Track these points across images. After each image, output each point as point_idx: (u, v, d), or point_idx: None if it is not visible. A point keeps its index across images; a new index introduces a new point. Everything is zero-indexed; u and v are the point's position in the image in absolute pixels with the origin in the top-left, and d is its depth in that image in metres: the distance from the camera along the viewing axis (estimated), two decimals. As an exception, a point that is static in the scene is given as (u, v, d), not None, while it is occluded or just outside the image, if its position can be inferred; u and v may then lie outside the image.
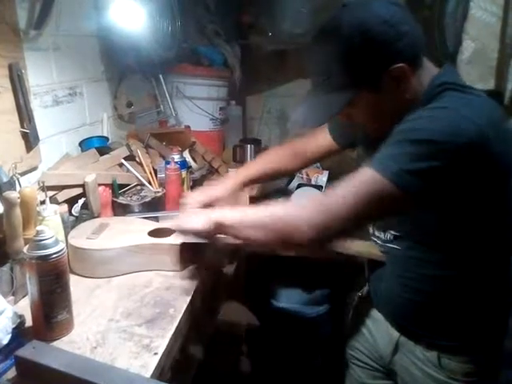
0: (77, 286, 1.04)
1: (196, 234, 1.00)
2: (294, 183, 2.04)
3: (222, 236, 1.00)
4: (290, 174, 1.38)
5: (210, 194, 1.20)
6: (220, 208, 1.16)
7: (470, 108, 0.80)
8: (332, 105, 0.90)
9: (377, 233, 1.07)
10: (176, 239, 1.12)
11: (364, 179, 0.80)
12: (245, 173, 1.30)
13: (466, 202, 0.83)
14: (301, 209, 0.85)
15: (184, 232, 1.03)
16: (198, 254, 1.13)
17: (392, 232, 1.02)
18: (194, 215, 1.02)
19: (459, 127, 0.76)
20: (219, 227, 0.95)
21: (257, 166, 1.33)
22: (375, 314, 1.14)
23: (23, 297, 0.98)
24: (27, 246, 0.83)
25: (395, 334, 1.05)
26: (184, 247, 1.12)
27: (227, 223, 0.94)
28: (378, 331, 1.14)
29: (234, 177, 1.29)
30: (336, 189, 0.83)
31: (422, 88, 0.88)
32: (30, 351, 0.76)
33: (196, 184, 1.78)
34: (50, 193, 1.23)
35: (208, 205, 1.17)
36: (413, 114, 0.84)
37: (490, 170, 0.80)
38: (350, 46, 0.85)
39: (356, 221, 0.82)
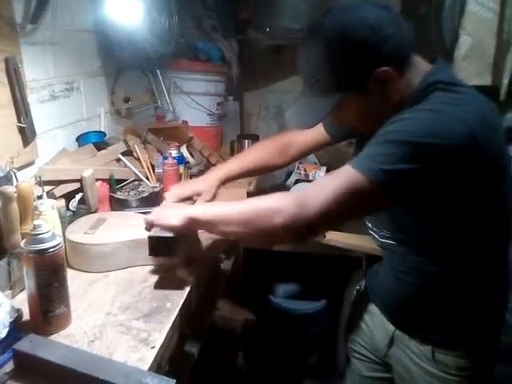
0: (74, 280, 1.04)
1: (170, 228, 0.99)
2: (292, 179, 2.04)
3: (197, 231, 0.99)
4: (277, 169, 1.36)
5: (189, 188, 1.20)
6: (198, 203, 1.17)
7: (457, 107, 0.79)
8: (321, 108, 0.91)
9: (374, 228, 1.08)
10: (147, 232, 1.08)
11: (344, 176, 0.80)
12: (227, 168, 1.28)
13: (454, 201, 0.83)
14: (278, 203, 0.85)
15: (159, 226, 1.02)
16: (170, 249, 1.09)
17: (385, 231, 1.03)
18: (170, 210, 1.02)
19: (444, 128, 0.76)
20: (194, 223, 0.95)
21: (239, 161, 1.31)
22: (372, 307, 1.14)
23: (21, 291, 0.98)
24: (24, 240, 0.83)
25: (391, 327, 1.06)
26: (155, 241, 1.07)
27: (202, 219, 0.94)
28: (374, 325, 1.14)
29: (216, 172, 1.28)
30: (315, 183, 0.84)
31: (413, 88, 0.88)
32: (28, 345, 0.76)
33: (192, 179, 1.78)
34: (47, 188, 1.23)
35: (187, 199, 1.17)
36: (399, 115, 0.84)
37: (480, 168, 0.80)
38: (335, 51, 0.85)
39: (332, 216, 0.82)
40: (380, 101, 0.89)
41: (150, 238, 1.03)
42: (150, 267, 1.12)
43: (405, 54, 0.87)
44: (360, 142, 1.08)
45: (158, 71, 2.03)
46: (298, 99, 0.98)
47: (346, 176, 0.80)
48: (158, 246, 1.05)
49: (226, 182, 1.27)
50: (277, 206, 0.84)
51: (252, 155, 1.31)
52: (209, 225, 0.94)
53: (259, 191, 1.93)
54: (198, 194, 1.20)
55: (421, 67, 0.90)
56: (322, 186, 0.83)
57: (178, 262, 1.13)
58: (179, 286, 1.04)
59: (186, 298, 1.01)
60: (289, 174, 2.11)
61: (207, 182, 1.23)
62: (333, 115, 0.98)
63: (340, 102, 0.89)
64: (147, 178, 1.55)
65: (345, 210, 0.82)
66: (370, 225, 1.09)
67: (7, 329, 0.81)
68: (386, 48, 0.83)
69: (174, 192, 1.18)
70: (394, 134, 0.80)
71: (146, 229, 1.05)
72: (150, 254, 1.04)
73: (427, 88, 0.85)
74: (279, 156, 1.30)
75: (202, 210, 0.96)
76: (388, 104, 0.89)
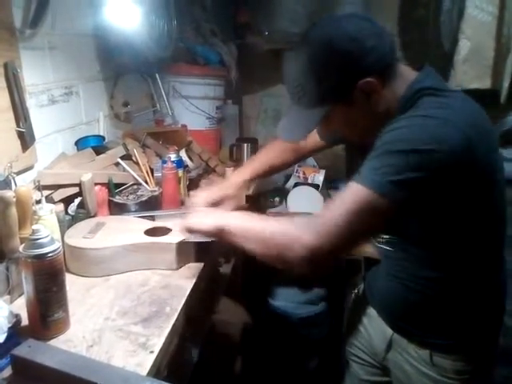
0: (73, 284, 1.04)
1: (202, 234, 1.03)
2: (291, 182, 2.04)
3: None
4: (290, 166, 1.42)
5: (218, 193, 1.23)
6: (227, 209, 1.21)
7: (448, 111, 0.80)
8: (308, 120, 0.93)
9: None
10: (176, 238, 1.13)
11: (353, 195, 0.80)
12: (247, 170, 1.33)
13: (450, 206, 0.83)
14: (296, 228, 0.85)
15: (191, 232, 1.05)
16: (202, 253, 1.16)
17: (382, 235, 1.03)
18: (202, 216, 1.04)
19: (440, 133, 0.77)
20: (222, 232, 0.96)
21: (259, 161, 1.35)
22: (371, 311, 1.14)
23: (19, 296, 0.98)
24: (23, 244, 0.83)
25: (389, 331, 1.06)
26: (187, 246, 1.14)
27: (229, 230, 0.95)
28: (372, 328, 1.14)
29: (238, 175, 1.32)
30: (327, 207, 0.84)
31: (398, 96, 0.88)
32: (26, 350, 0.76)
33: (192, 183, 1.78)
34: (46, 192, 1.23)
35: (216, 203, 1.20)
36: (392, 124, 0.84)
37: (473, 171, 0.80)
38: (318, 64, 0.87)
39: (350, 239, 0.82)
40: (366, 111, 0.90)
41: (185, 243, 1.08)
42: (149, 272, 1.12)
43: (388, 64, 0.88)
44: (352, 148, 1.10)
45: (156, 75, 2.03)
46: (287, 112, 1.00)
47: (355, 196, 0.80)
48: (189, 251, 1.10)
49: (247, 184, 1.32)
50: (296, 235, 0.83)
51: (266, 155, 1.35)
52: (234, 237, 0.94)
53: (258, 194, 1.94)
54: (224, 199, 1.23)
55: (406, 75, 0.91)
56: (333, 212, 0.82)
57: (178, 266, 1.14)
58: (178, 291, 1.04)
59: (185, 303, 1.00)
60: (288, 177, 2.11)
61: (231, 186, 1.27)
62: (321, 127, 0.99)
63: (327, 114, 0.90)
64: (146, 182, 1.55)
65: (360, 230, 0.82)
66: None
67: (6, 334, 0.80)
68: (369, 59, 0.84)
69: (199, 198, 1.21)
70: (392, 144, 0.80)
71: (183, 233, 1.08)
72: (184, 259, 1.07)
73: (414, 95, 0.86)
74: (291, 155, 1.34)
75: (232, 221, 0.96)
76: (374, 114, 0.90)
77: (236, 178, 1.31)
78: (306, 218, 0.87)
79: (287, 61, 0.93)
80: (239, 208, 1.31)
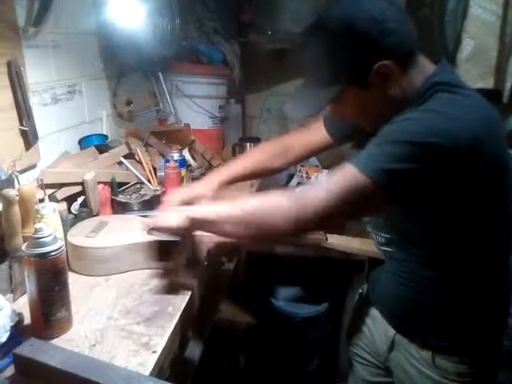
0: (75, 283, 1.03)
1: (171, 231, 0.99)
2: (294, 182, 2.04)
3: (199, 233, 1.00)
4: (277, 172, 1.35)
5: (190, 192, 1.18)
6: (199, 205, 1.14)
7: (461, 109, 0.79)
8: (320, 99, 0.90)
9: (372, 235, 1.08)
10: (147, 237, 1.10)
11: (344, 175, 0.80)
12: (227, 171, 1.27)
13: (454, 204, 0.82)
14: (277, 202, 0.85)
15: (158, 229, 1.01)
16: (172, 252, 1.11)
17: (383, 235, 1.02)
18: (170, 212, 1.01)
19: (447, 129, 0.76)
20: (195, 224, 0.95)
21: (240, 164, 1.29)
22: (374, 311, 1.14)
23: (22, 294, 0.98)
24: (26, 243, 0.83)
25: (391, 331, 1.06)
26: (156, 245, 1.10)
27: (202, 219, 0.93)
28: (375, 328, 1.14)
29: (217, 175, 1.26)
30: (316, 183, 0.83)
31: (415, 87, 0.87)
32: (29, 349, 0.76)
33: (195, 182, 1.77)
34: (49, 191, 1.23)
35: (190, 202, 1.14)
36: (401, 115, 0.83)
37: (481, 171, 0.79)
38: (335, 41, 0.85)
39: (333, 216, 0.82)
40: (381, 96, 0.88)
41: (152, 243, 1.02)
42: (152, 271, 1.12)
43: (407, 51, 0.86)
44: (361, 145, 1.08)
45: (160, 74, 2.03)
46: (299, 90, 0.97)
47: (347, 175, 0.80)
48: (159, 250, 1.05)
49: (226, 184, 1.25)
50: (276, 206, 0.84)
51: (253, 158, 1.30)
52: (208, 224, 0.94)
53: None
54: (199, 198, 1.17)
55: (424, 67, 0.89)
56: (323, 186, 0.83)
57: (180, 265, 1.13)
58: (181, 290, 1.04)
59: (187, 302, 1.00)
60: (290, 177, 2.11)
61: (207, 185, 1.21)
62: (333, 110, 0.97)
63: (340, 95, 0.88)
64: (149, 181, 1.55)
65: (345, 210, 0.82)
66: (369, 230, 1.09)
67: (8, 333, 0.80)
68: (388, 42, 0.82)
69: (174, 196, 1.17)
70: (395, 133, 0.80)
71: (147, 232, 1.05)
72: (151, 259, 1.05)
73: (430, 88, 0.85)
74: (280, 159, 1.28)
75: (201, 210, 0.96)
76: (389, 100, 0.88)
77: (214, 178, 1.24)
78: (288, 193, 0.86)
79: (305, 38, 0.91)
80: None
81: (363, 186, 0.77)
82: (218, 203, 0.97)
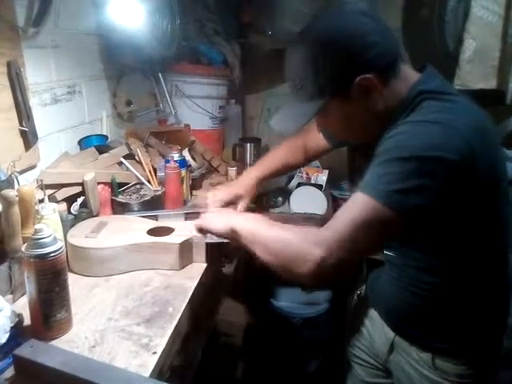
0: (75, 284, 1.03)
1: (216, 234, 1.04)
2: (294, 182, 2.03)
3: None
4: (300, 166, 1.43)
5: (230, 193, 1.24)
6: (239, 209, 1.23)
7: (451, 117, 0.79)
8: (304, 113, 0.92)
9: None
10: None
11: (358, 206, 0.79)
12: (259, 170, 1.33)
13: (453, 211, 0.82)
14: (303, 242, 0.83)
15: (205, 232, 1.07)
16: (211, 254, 1.17)
17: None
18: (216, 216, 1.05)
19: (444, 140, 0.76)
20: (234, 233, 0.97)
21: (269, 162, 1.36)
22: (372, 313, 1.14)
23: (21, 295, 0.97)
24: (25, 244, 0.83)
25: (391, 333, 1.05)
26: (190, 246, 1.15)
27: (240, 233, 0.95)
28: (374, 330, 1.14)
29: (250, 175, 1.33)
30: (333, 220, 0.83)
31: (399, 98, 0.88)
32: (28, 350, 0.75)
33: (195, 183, 1.77)
34: (49, 191, 1.23)
35: (229, 203, 1.22)
36: (393, 129, 0.83)
37: (476, 177, 0.79)
38: (317, 56, 0.86)
39: (356, 252, 0.82)
40: (364, 109, 0.89)
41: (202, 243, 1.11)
42: (152, 272, 1.12)
43: (389, 63, 0.87)
44: (354, 149, 1.09)
45: (159, 74, 2.03)
46: (284, 105, 1.00)
47: (360, 207, 0.79)
48: (208, 251, 1.13)
49: (260, 183, 1.32)
50: (302, 249, 0.82)
51: (278, 155, 1.36)
52: (244, 240, 0.94)
53: (261, 194, 1.93)
54: (238, 198, 1.25)
55: (408, 76, 0.90)
56: (340, 225, 0.81)
57: (181, 266, 1.13)
58: (181, 291, 1.04)
59: (187, 303, 1.00)
60: (291, 178, 2.10)
61: (244, 185, 1.29)
62: (318, 123, 1.00)
63: (324, 108, 0.89)
64: (149, 182, 1.55)
65: (367, 243, 0.81)
66: None
67: (8, 334, 0.80)
68: (369, 55, 0.83)
69: (215, 197, 1.22)
70: (394, 151, 0.79)
71: (197, 232, 1.10)
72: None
73: (415, 98, 0.85)
74: (300, 154, 1.35)
75: (243, 224, 0.96)
76: (372, 113, 0.89)
77: (247, 178, 1.32)
78: (312, 230, 0.85)
79: (288, 53, 0.93)
80: (249, 207, 1.32)
81: (378, 212, 0.77)
82: (259, 218, 0.98)
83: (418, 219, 0.80)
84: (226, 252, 1.44)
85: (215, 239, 1.11)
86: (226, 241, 1.05)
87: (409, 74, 0.90)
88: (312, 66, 0.87)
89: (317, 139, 1.27)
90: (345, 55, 0.84)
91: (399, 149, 0.79)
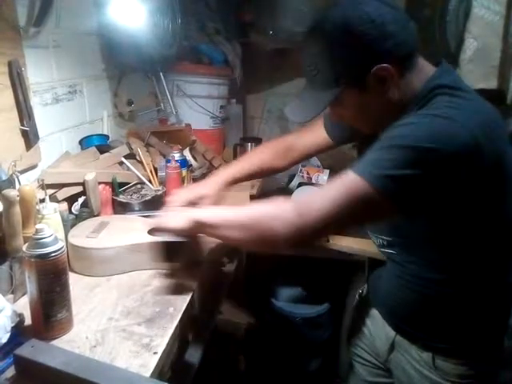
0: (76, 284, 1.03)
1: (174, 232, 0.99)
2: (295, 182, 2.03)
3: (201, 235, 1.00)
4: (279, 171, 1.35)
5: (193, 192, 1.18)
6: (203, 207, 1.15)
7: (460, 113, 0.78)
8: (319, 102, 0.91)
9: (372, 237, 1.07)
10: (150, 237, 1.10)
11: (345, 182, 0.80)
12: (230, 171, 1.27)
13: (455, 208, 0.82)
14: (279, 210, 0.84)
15: (162, 230, 1.01)
16: (175, 253, 1.12)
17: (384, 237, 1.02)
18: (174, 214, 1.01)
19: (447, 134, 0.75)
20: (198, 226, 0.94)
21: (242, 164, 1.29)
22: (374, 312, 1.14)
23: (22, 295, 0.97)
24: (26, 244, 0.83)
25: (392, 332, 1.06)
26: (160, 245, 1.11)
27: (205, 222, 0.93)
28: (375, 329, 1.14)
29: (220, 175, 1.26)
30: (317, 191, 0.83)
31: (414, 90, 0.87)
32: (29, 350, 0.75)
33: (196, 182, 1.77)
34: (50, 191, 1.23)
35: (193, 203, 1.15)
36: (402, 119, 0.83)
37: (481, 175, 0.79)
38: (334, 43, 0.85)
39: (332, 224, 0.82)
40: (379, 99, 0.88)
41: (156, 243, 1.02)
42: (153, 271, 1.12)
43: (406, 54, 0.86)
44: (362, 146, 1.08)
45: (161, 74, 2.03)
46: (299, 93, 0.97)
47: (348, 182, 0.79)
48: (163, 251, 1.05)
49: (229, 185, 1.25)
50: (277, 213, 0.84)
51: (254, 158, 1.30)
52: (211, 228, 0.93)
53: (262, 194, 1.93)
54: (202, 198, 1.18)
55: (424, 70, 0.89)
56: (323, 194, 0.82)
57: (181, 266, 1.13)
58: (182, 291, 1.04)
59: (188, 303, 1.00)
60: (292, 178, 2.10)
61: (211, 185, 1.21)
62: (332, 113, 0.98)
63: (338, 98, 0.88)
64: (150, 182, 1.55)
65: (346, 217, 0.81)
66: (369, 232, 1.09)
67: (9, 334, 0.80)
68: (387, 45, 0.82)
69: (177, 196, 1.17)
70: (396, 138, 0.79)
71: (148, 233, 1.04)
72: (155, 260, 1.04)
73: (430, 92, 0.84)
74: (281, 159, 1.28)
75: (206, 213, 0.96)
76: (387, 104, 0.88)
77: (217, 178, 1.25)
78: (290, 200, 0.87)
79: (305, 38, 0.91)
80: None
81: (364, 193, 0.77)
82: (221, 206, 0.97)
83: (410, 209, 0.80)
84: (226, 252, 1.44)
85: (169, 238, 1.05)
86: (180, 239, 1.02)
87: (425, 68, 0.89)
88: (329, 53, 0.86)
89: (315, 137, 1.24)
90: (362, 43, 0.82)
91: (401, 138, 0.79)
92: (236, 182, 1.27)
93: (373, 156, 0.80)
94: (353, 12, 0.84)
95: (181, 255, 1.11)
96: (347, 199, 0.78)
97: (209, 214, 0.95)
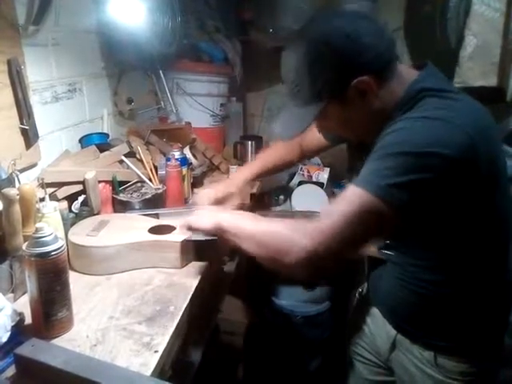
0: (76, 283, 1.03)
1: (203, 232, 1.04)
2: (295, 180, 2.03)
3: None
4: (294, 164, 1.51)
5: (222, 191, 1.25)
6: (229, 208, 1.22)
7: (452, 113, 0.78)
8: (303, 117, 0.92)
9: None
10: (180, 236, 1.14)
11: (352, 199, 0.79)
12: (251, 169, 1.37)
13: (453, 208, 0.82)
14: (293, 232, 0.84)
15: (192, 230, 1.06)
16: (203, 252, 1.16)
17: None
18: (204, 214, 1.05)
19: (443, 136, 0.76)
20: (221, 230, 0.97)
21: (261, 160, 1.39)
22: (374, 310, 1.14)
23: (22, 294, 0.97)
24: (26, 243, 0.83)
25: (392, 331, 1.05)
26: (189, 244, 1.14)
27: (227, 229, 0.95)
28: (376, 328, 1.14)
29: (241, 173, 1.35)
30: (326, 211, 0.83)
31: (396, 97, 0.87)
32: (30, 349, 0.75)
33: (196, 181, 1.77)
34: (50, 190, 1.23)
35: (219, 201, 1.22)
36: (391, 125, 0.83)
37: (477, 174, 0.79)
38: (313, 59, 0.85)
39: (347, 243, 0.81)
40: (361, 110, 0.89)
41: (187, 242, 1.11)
42: (153, 270, 1.12)
43: (385, 64, 0.86)
44: (351, 149, 1.09)
45: (160, 72, 2.02)
46: (283, 110, 0.99)
47: (354, 199, 0.79)
48: (191, 249, 1.13)
49: (252, 181, 1.36)
50: (291, 236, 0.83)
51: (273, 153, 1.40)
52: (232, 236, 0.95)
53: (263, 193, 1.93)
54: (230, 196, 1.26)
55: (406, 76, 0.89)
56: (330, 213, 0.81)
57: (182, 265, 1.13)
58: (182, 290, 1.04)
59: (189, 302, 1.00)
60: (292, 176, 2.10)
61: (236, 183, 1.30)
62: (318, 125, 1.00)
63: (322, 111, 0.89)
64: (150, 180, 1.55)
65: (357, 233, 0.80)
66: None
67: (9, 333, 0.80)
68: (365, 58, 0.83)
69: (206, 195, 1.23)
70: (393, 146, 0.79)
71: (185, 230, 1.09)
72: (184, 258, 1.11)
73: (415, 95, 0.85)
74: (295, 152, 1.38)
75: (230, 220, 0.97)
76: (370, 114, 0.89)
77: (239, 176, 1.34)
78: (303, 222, 0.86)
79: (284, 56, 0.92)
80: (243, 206, 1.32)
81: (372, 206, 0.76)
82: (246, 214, 0.99)
83: (414, 214, 0.80)
84: (227, 250, 1.44)
85: (199, 237, 1.11)
86: (211, 238, 1.06)
87: (406, 74, 0.90)
88: (308, 70, 0.86)
89: (315, 137, 1.28)
90: (339, 58, 0.83)
91: (398, 144, 0.78)
92: (256, 178, 1.39)
93: (373, 166, 0.80)
94: (327, 27, 0.86)
95: (207, 254, 1.16)
96: (357, 216, 0.78)
97: (232, 221, 0.96)
